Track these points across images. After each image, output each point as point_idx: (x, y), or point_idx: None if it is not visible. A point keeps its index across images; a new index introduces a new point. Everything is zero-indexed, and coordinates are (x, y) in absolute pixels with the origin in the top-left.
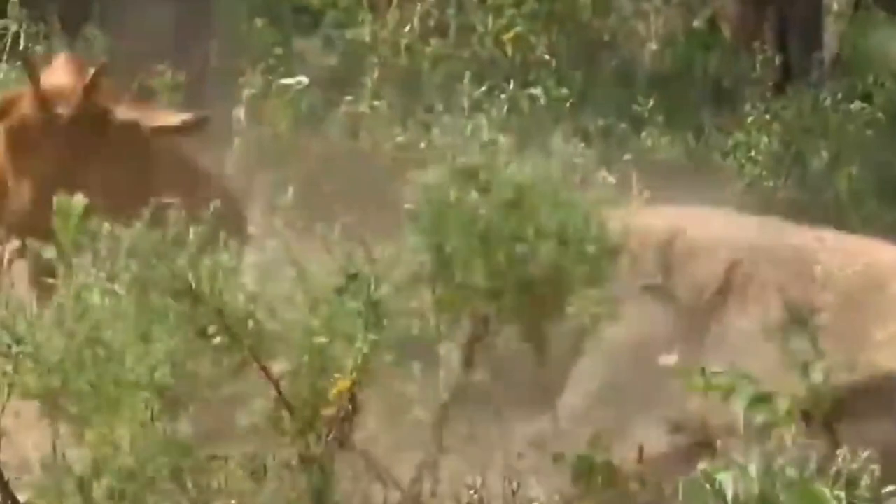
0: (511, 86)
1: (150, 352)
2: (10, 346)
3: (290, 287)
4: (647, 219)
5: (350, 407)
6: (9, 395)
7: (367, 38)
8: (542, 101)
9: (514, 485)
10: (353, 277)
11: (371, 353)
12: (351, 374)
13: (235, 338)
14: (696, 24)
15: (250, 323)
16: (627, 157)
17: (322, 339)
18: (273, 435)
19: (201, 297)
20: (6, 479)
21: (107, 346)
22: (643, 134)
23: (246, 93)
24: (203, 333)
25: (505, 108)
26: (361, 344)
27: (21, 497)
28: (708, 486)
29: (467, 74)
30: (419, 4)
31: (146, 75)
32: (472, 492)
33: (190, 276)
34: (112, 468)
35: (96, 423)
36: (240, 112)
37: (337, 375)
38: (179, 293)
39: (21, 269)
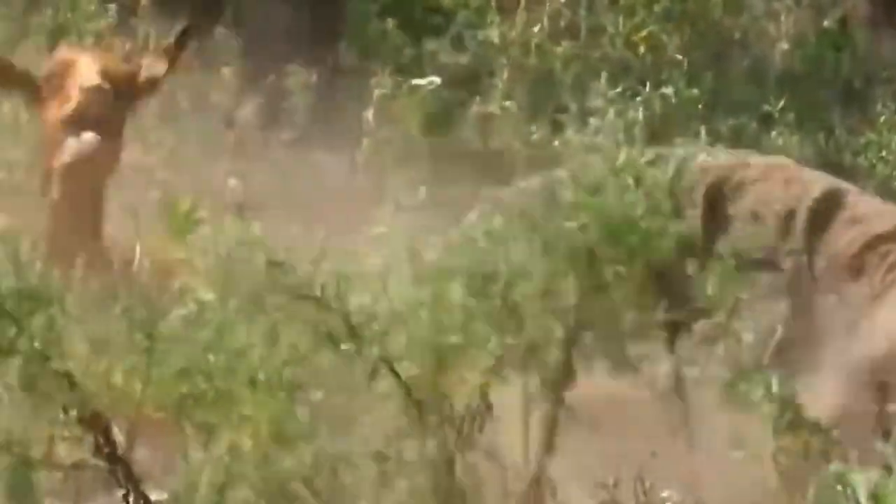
0: (643, 86)
1: (276, 353)
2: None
3: (417, 287)
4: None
5: (482, 406)
6: (143, 393)
7: (497, 39)
8: (674, 100)
9: (647, 485)
10: (488, 277)
11: (504, 355)
12: (483, 374)
13: (363, 342)
14: (826, 23)
15: (375, 326)
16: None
17: (454, 340)
18: (403, 435)
19: (326, 303)
20: (138, 479)
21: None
22: (773, 133)
23: (376, 93)
24: (330, 338)
25: (640, 108)
26: (494, 346)
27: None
28: (840, 487)
29: (604, 75)
30: (549, 4)
31: (278, 76)
32: (604, 491)
33: (314, 282)
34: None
35: (226, 427)
36: (369, 113)
37: (468, 376)
38: (304, 298)
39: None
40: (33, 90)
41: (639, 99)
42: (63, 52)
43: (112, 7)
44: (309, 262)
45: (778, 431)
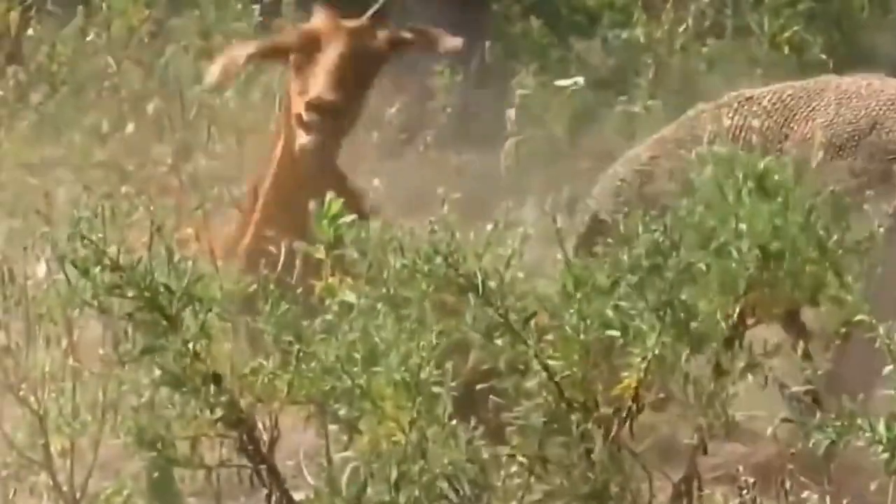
0: None
1: (416, 351)
2: (291, 343)
3: (569, 284)
4: None
5: (634, 406)
6: (288, 392)
7: (642, 38)
8: None
9: (787, 485)
10: (652, 270)
11: (664, 353)
12: (639, 373)
13: (519, 337)
14: None
15: (533, 323)
16: None
17: (614, 334)
18: (553, 434)
19: (489, 297)
20: (282, 478)
21: (374, 348)
22: None
23: (519, 93)
24: (488, 333)
25: None
26: (653, 343)
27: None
28: None
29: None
30: (693, 4)
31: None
32: (744, 491)
33: (477, 274)
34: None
35: (369, 425)
36: (512, 112)
37: (624, 374)
38: (465, 290)
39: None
40: (287, 62)
41: None
42: (317, 20)
43: (256, 7)
44: (473, 257)
45: None
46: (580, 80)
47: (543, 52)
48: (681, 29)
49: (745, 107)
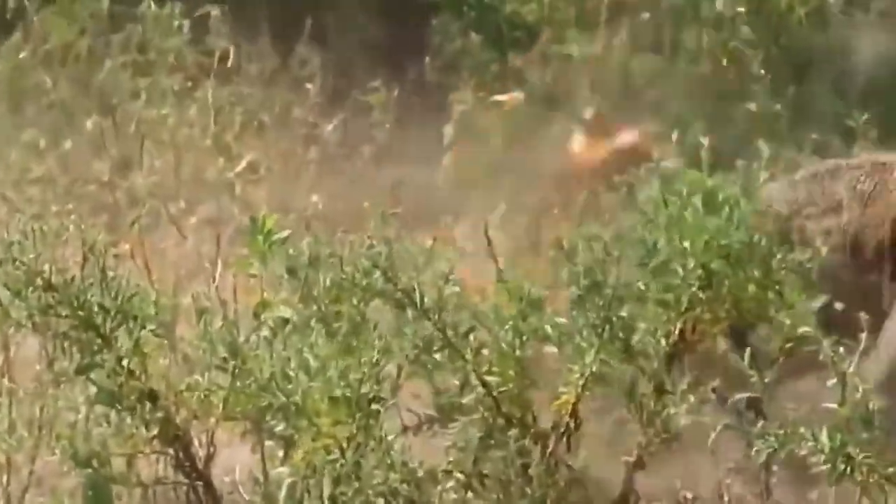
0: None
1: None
2: (225, 360)
3: (505, 300)
4: None
5: (571, 422)
6: (224, 407)
7: (580, 54)
8: (757, 115)
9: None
10: (590, 288)
11: (600, 370)
12: (576, 389)
13: (458, 352)
14: None
15: (472, 338)
16: None
17: (552, 350)
18: (490, 449)
19: (427, 312)
20: (219, 494)
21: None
22: (856, 148)
23: (457, 109)
24: (427, 348)
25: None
26: (591, 360)
27: None
28: None
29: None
30: (631, 20)
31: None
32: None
33: (416, 290)
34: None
35: (305, 441)
36: (449, 127)
37: (562, 389)
38: (403, 306)
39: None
40: None
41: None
42: None
43: (185, 24)
44: (411, 272)
45: None
46: (519, 95)
47: (482, 67)
48: (618, 44)
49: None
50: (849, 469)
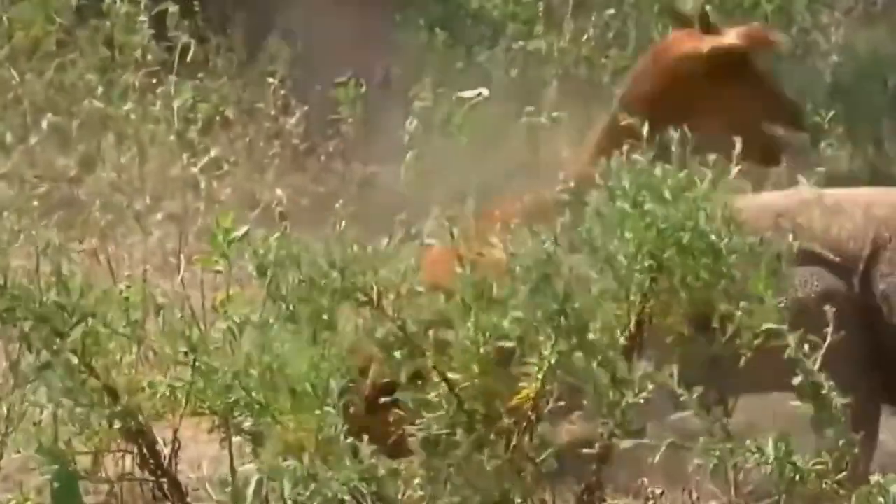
0: None
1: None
2: (186, 354)
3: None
4: None
5: (532, 417)
6: (186, 404)
7: (545, 51)
8: None
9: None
10: (545, 280)
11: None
12: (535, 383)
13: (417, 349)
14: (877, 35)
15: (431, 334)
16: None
17: (509, 345)
18: (454, 445)
19: (383, 310)
20: (184, 491)
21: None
22: (822, 145)
23: (417, 105)
24: (384, 345)
25: None
26: (549, 353)
27: None
28: (881, 499)
29: None
30: (597, 15)
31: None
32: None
33: (373, 287)
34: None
35: (271, 437)
36: (413, 123)
37: (522, 384)
38: (362, 304)
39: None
40: None
41: None
42: None
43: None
44: (368, 270)
45: None
46: (484, 91)
47: (447, 63)
48: (584, 39)
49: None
50: (797, 477)
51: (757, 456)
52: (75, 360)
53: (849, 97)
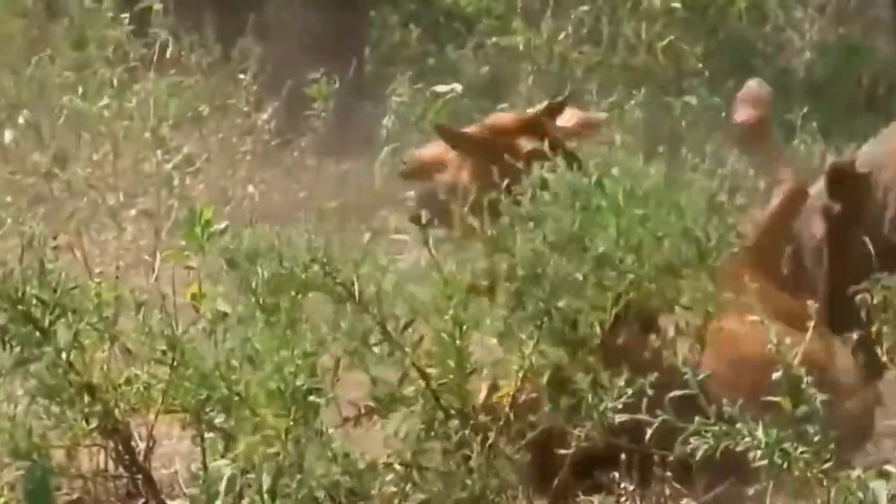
0: (665, 93)
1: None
2: (164, 353)
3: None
4: None
5: (510, 414)
6: (162, 401)
7: (521, 46)
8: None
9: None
10: (529, 280)
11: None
12: (515, 381)
13: (397, 345)
14: (849, 32)
15: (411, 331)
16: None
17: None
18: (431, 441)
19: (365, 305)
20: (158, 487)
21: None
22: (796, 142)
23: (394, 101)
24: (365, 341)
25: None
26: (530, 351)
27: None
28: (861, 493)
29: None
30: (572, 13)
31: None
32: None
33: (354, 283)
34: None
35: (245, 433)
36: (387, 120)
37: (502, 382)
38: (342, 300)
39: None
40: None
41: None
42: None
43: (125, 16)
44: (349, 265)
45: None
46: (457, 87)
47: (421, 59)
48: (560, 37)
49: None
50: (786, 464)
51: (748, 440)
52: (54, 356)
53: (822, 94)
